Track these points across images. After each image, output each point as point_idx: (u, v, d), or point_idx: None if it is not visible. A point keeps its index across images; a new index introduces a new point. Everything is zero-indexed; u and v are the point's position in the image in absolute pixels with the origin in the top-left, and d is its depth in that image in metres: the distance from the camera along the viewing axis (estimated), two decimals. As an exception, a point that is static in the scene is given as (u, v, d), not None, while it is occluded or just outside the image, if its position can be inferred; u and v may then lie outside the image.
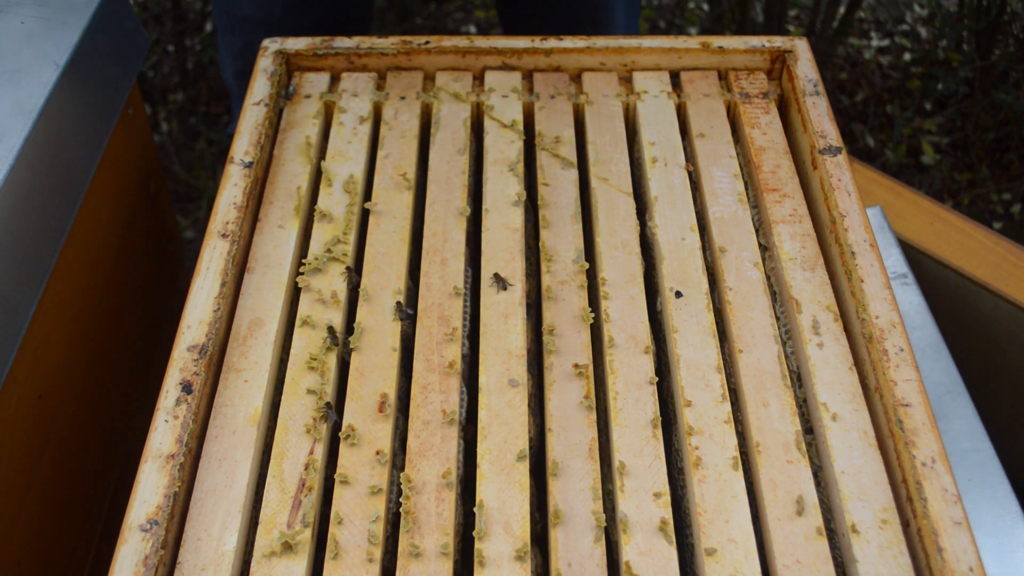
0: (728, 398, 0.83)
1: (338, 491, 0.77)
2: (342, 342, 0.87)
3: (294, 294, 0.92)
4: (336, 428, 0.82)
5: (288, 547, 0.73)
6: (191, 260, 2.03)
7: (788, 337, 0.89)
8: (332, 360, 0.86)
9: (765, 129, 1.05)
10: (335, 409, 0.83)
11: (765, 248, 0.96)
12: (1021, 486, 1.07)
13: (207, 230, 0.92)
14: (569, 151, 1.04)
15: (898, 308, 0.86)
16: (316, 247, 0.95)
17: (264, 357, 0.85)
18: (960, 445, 1.07)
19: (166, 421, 0.78)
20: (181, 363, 0.82)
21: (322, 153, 1.06)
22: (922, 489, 0.73)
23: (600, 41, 1.11)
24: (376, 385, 0.84)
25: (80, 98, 1.03)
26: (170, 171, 2.32)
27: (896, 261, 1.26)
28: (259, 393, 0.83)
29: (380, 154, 1.04)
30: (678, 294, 0.90)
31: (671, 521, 0.75)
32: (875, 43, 2.68)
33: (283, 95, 1.10)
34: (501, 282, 0.89)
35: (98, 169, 1.08)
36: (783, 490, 0.77)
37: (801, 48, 1.11)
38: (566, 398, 0.83)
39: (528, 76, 1.13)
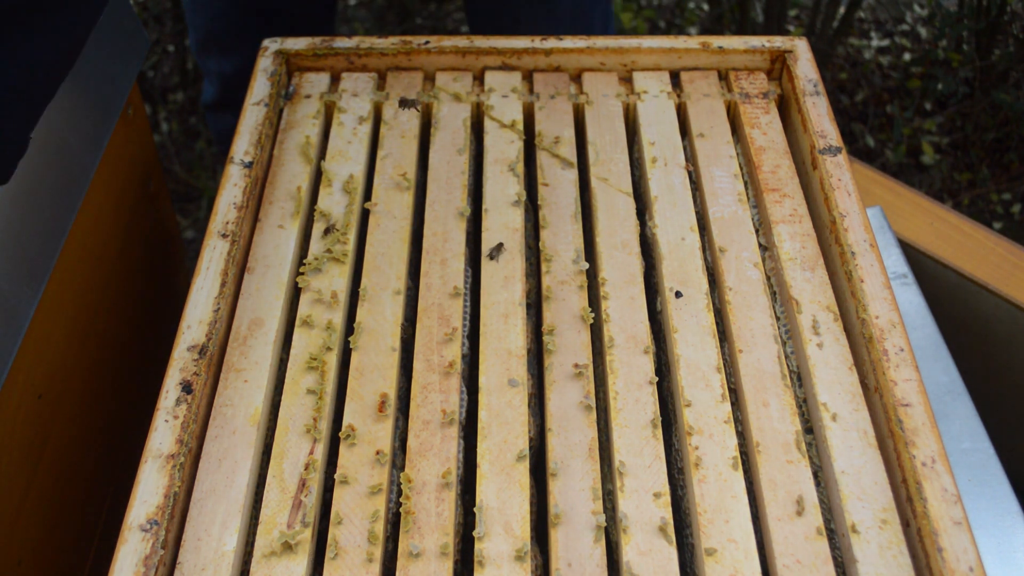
0: (728, 398, 0.83)
1: (338, 491, 0.77)
2: (345, 342, 0.87)
3: (294, 294, 0.92)
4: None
5: (288, 547, 0.73)
6: (191, 260, 2.03)
7: (788, 337, 0.89)
8: (332, 360, 0.86)
9: (765, 129, 1.05)
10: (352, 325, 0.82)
11: (765, 248, 0.96)
12: (1021, 486, 1.07)
13: (207, 230, 0.92)
14: (569, 151, 1.04)
15: (898, 308, 0.86)
16: (316, 247, 0.95)
17: (264, 357, 0.85)
18: (960, 445, 1.07)
19: (166, 421, 0.78)
20: (181, 363, 0.82)
21: (322, 153, 1.06)
22: (922, 489, 0.73)
23: (600, 41, 1.11)
24: (376, 385, 0.84)
25: (80, 98, 1.03)
26: (170, 171, 2.32)
27: (896, 261, 1.25)
28: (259, 393, 0.83)
29: (380, 154, 1.04)
30: (678, 294, 0.90)
31: (671, 521, 0.75)
32: (875, 43, 2.68)
33: (283, 95, 1.10)
34: (494, 252, 0.89)
35: (98, 169, 1.08)
36: (783, 490, 0.77)
37: (801, 48, 1.11)
38: (566, 398, 0.83)
39: (528, 76, 1.13)
